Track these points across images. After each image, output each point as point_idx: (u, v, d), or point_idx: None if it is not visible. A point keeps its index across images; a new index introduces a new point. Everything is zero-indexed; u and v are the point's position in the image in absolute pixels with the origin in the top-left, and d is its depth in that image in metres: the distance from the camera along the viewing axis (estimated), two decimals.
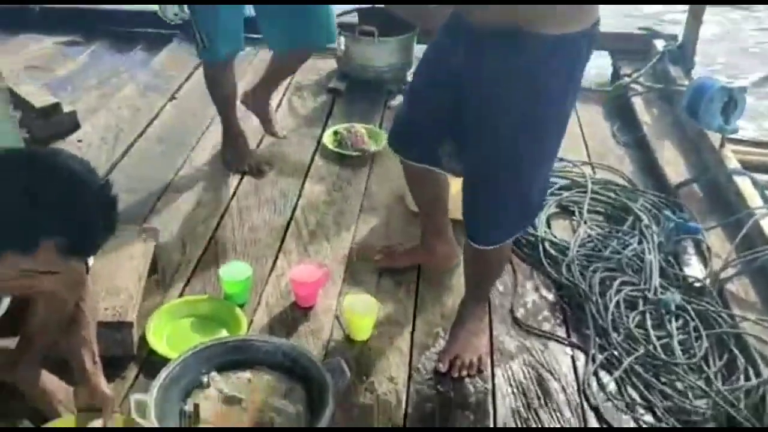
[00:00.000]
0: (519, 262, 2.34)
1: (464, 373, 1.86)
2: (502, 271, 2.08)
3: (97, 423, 1.51)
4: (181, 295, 2.08)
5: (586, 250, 2.34)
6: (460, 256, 2.09)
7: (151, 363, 1.79)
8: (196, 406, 1.59)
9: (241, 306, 2.01)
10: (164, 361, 1.70)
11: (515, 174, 1.69)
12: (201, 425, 1.56)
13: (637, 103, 3.29)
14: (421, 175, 1.99)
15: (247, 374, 1.71)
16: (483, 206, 1.77)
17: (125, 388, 1.74)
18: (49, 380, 1.61)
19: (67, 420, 1.54)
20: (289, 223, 2.45)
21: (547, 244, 2.36)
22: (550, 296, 2.22)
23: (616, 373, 1.90)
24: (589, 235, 2.42)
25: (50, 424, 1.52)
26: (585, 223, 2.48)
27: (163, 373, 1.60)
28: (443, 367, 1.87)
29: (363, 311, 1.95)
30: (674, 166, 2.80)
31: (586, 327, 2.07)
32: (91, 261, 1.53)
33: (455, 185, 2.43)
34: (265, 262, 2.24)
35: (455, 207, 2.27)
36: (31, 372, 1.57)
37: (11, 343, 1.61)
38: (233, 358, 1.72)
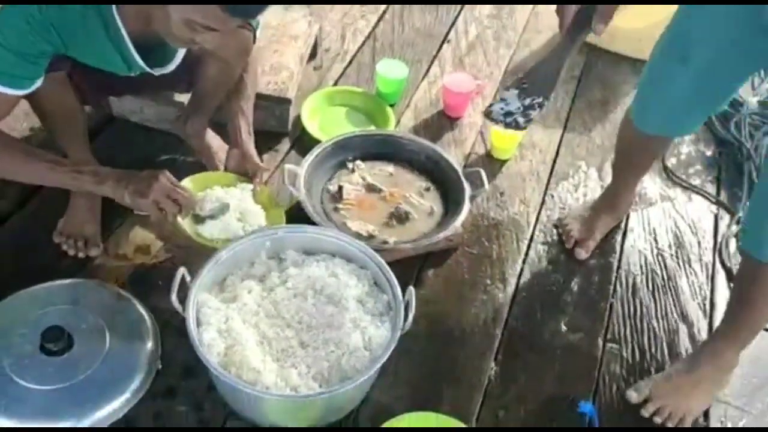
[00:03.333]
0: None
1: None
2: None
3: (248, 186, 1.61)
4: (335, 84, 2.15)
5: (763, 109, 2.15)
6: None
7: (303, 142, 1.91)
8: (341, 188, 1.71)
9: (392, 106, 2.05)
10: (315, 141, 1.81)
11: None
12: (342, 205, 1.68)
13: None
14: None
15: (389, 167, 1.79)
16: None
17: (277, 160, 1.88)
18: (214, 139, 1.75)
19: (222, 174, 1.64)
20: (449, 31, 2.40)
21: None
22: (708, 151, 2.10)
23: None
24: None
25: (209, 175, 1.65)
26: None
27: (315, 151, 1.71)
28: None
29: (509, 131, 1.93)
30: None
31: (739, 189, 1.97)
32: (258, 32, 1.58)
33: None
34: (420, 67, 2.24)
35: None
36: (199, 128, 1.70)
37: (185, 99, 1.75)
38: (379, 150, 1.80)
